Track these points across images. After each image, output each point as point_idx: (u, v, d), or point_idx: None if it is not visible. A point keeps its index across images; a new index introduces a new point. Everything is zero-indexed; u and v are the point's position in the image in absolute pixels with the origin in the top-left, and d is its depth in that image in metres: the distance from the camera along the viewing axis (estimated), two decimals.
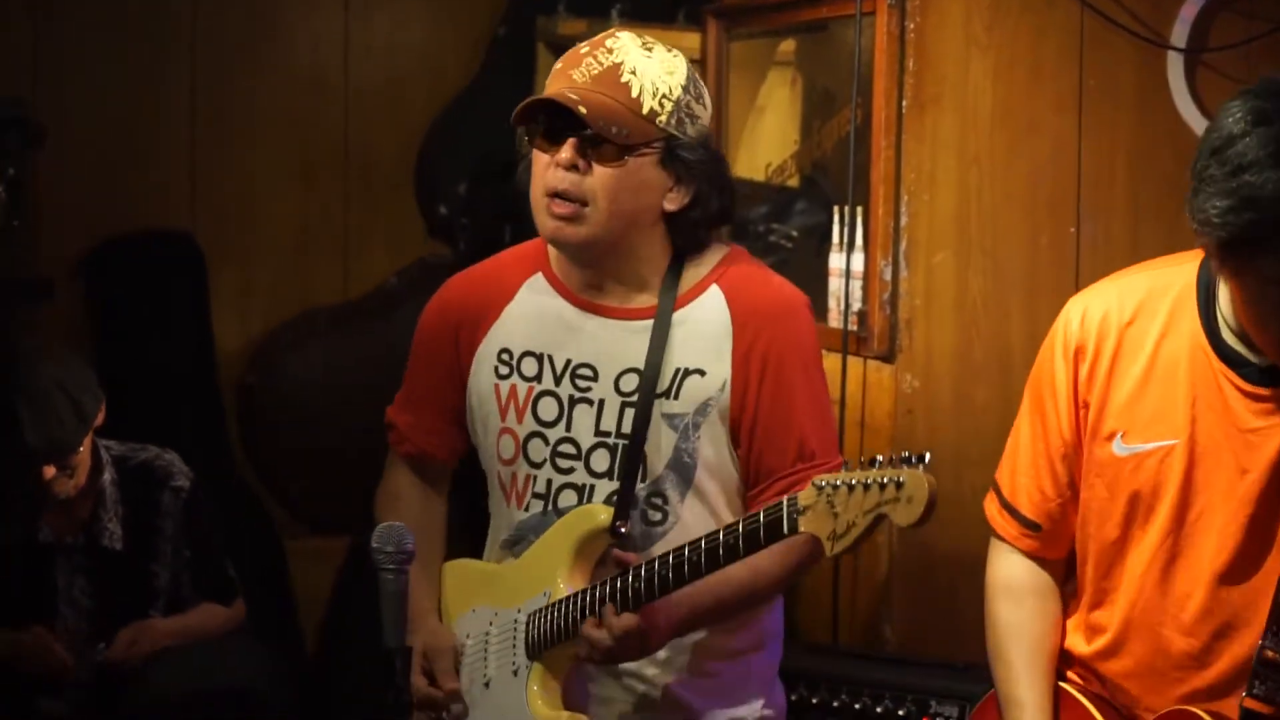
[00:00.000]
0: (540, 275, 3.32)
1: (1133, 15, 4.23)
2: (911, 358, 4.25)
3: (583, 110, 3.05)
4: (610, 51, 3.14)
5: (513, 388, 3.29)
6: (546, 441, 3.25)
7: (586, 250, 3.19)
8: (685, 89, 3.15)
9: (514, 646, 3.25)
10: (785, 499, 2.84)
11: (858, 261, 4.32)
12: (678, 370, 3.19)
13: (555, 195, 3.13)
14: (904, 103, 4.23)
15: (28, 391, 4.38)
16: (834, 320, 4.38)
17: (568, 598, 3.15)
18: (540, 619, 3.20)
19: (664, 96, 3.12)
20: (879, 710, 3.99)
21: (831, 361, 4.32)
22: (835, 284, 4.39)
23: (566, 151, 3.11)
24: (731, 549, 2.93)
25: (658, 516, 3.21)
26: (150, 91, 5.80)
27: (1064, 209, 4.28)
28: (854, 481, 2.74)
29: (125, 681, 4.46)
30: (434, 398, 3.42)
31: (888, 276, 4.25)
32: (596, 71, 3.11)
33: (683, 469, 3.20)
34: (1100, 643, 2.99)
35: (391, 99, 6.05)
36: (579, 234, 3.15)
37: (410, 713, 2.82)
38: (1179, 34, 4.22)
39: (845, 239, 4.36)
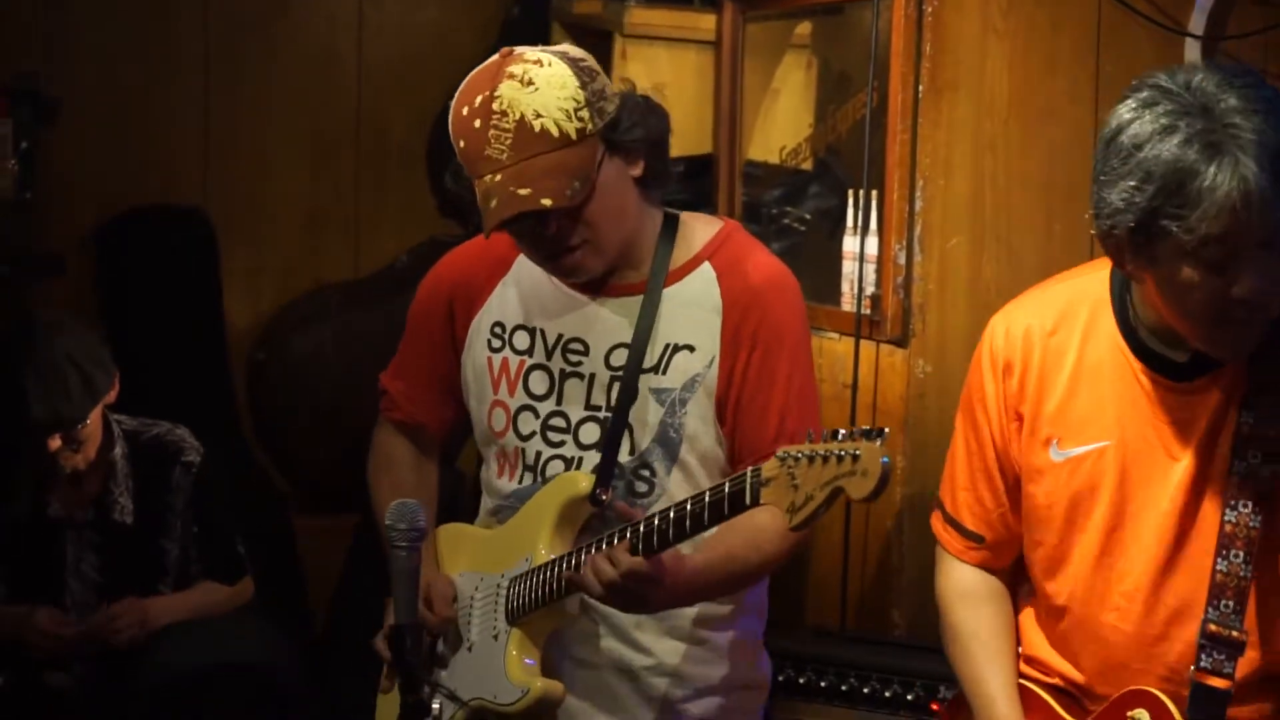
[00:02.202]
0: None
1: (1150, 2, 4.21)
2: (924, 342, 4.24)
3: (547, 202, 3.06)
4: (503, 114, 3.08)
5: (504, 361, 3.33)
6: (537, 415, 3.30)
7: (599, 270, 3.24)
8: (582, 84, 3.13)
9: (495, 611, 3.29)
10: (749, 469, 2.86)
11: (871, 245, 4.32)
12: (667, 346, 3.23)
13: (555, 270, 3.21)
14: (920, 87, 4.22)
15: (37, 363, 4.38)
16: (847, 304, 4.38)
17: (548, 563, 3.19)
18: (521, 584, 3.24)
19: (577, 110, 3.10)
20: (887, 695, 3.99)
21: (844, 345, 4.32)
22: (849, 268, 4.38)
23: (550, 229, 3.14)
24: (697, 518, 2.95)
25: (644, 488, 3.26)
26: (163, 67, 5.81)
27: (1079, 196, 4.24)
28: (813, 454, 2.75)
29: (131, 656, 4.46)
30: (426, 368, 3.47)
31: (901, 261, 4.25)
32: (510, 140, 3.08)
33: (668, 443, 3.24)
34: (1053, 640, 3.06)
35: (404, 78, 6.06)
36: (591, 265, 3.21)
37: (420, 689, 2.82)
38: (1197, 21, 4.20)
39: (859, 223, 4.35)
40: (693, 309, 3.24)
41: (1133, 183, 2.68)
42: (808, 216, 4.77)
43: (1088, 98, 4.25)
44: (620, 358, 3.25)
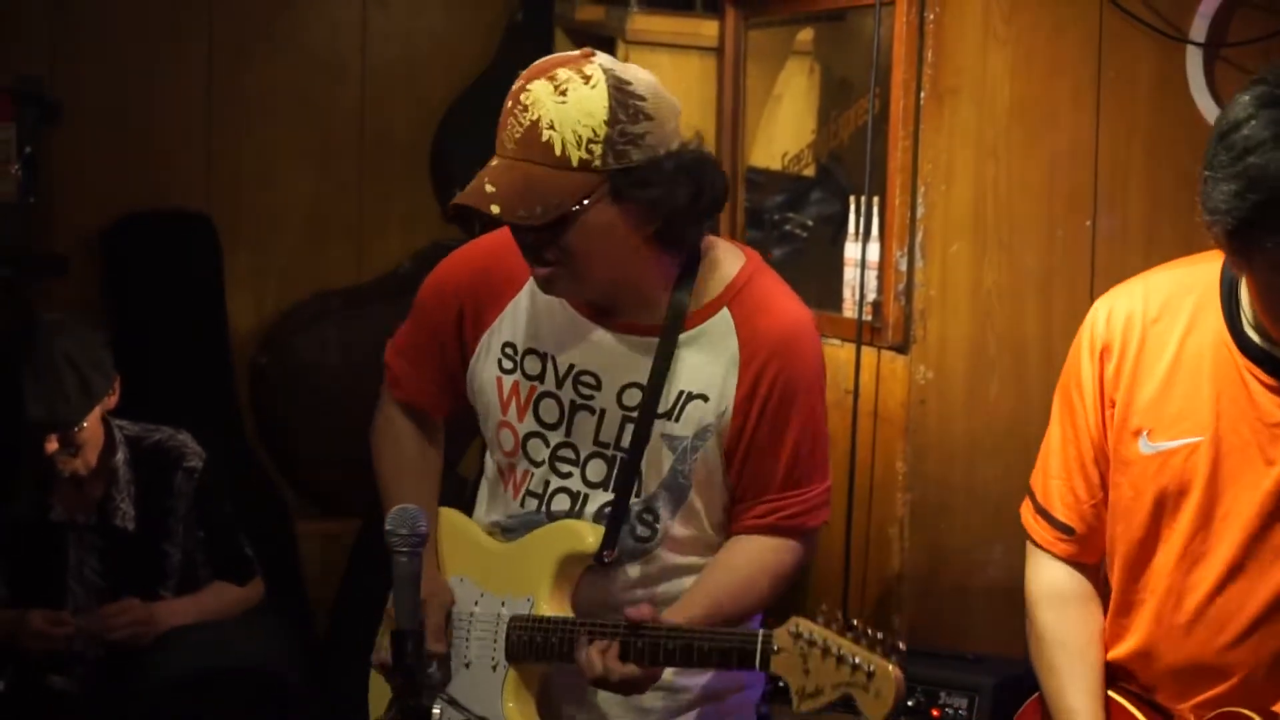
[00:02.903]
0: None
1: (1152, 9, 4.22)
2: (925, 348, 4.24)
3: (495, 210, 3.00)
4: (525, 108, 3.02)
5: (515, 384, 3.28)
6: (546, 443, 3.25)
7: (580, 296, 3.19)
8: (611, 120, 3.00)
9: (495, 641, 3.27)
10: (761, 634, 2.90)
11: (873, 251, 4.32)
12: (681, 393, 3.18)
13: (531, 263, 3.13)
14: (922, 94, 4.22)
15: (36, 363, 4.39)
16: (848, 310, 4.38)
17: (551, 621, 3.18)
18: (522, 629, 3.23)
19: (590, 142, 3.00)
20: None
21: (845, 351, 4.32)
22: (850, 274, 4.38)
23: (526, 236, 3.09)
24: (704, 655, 3.00)
25: (646, 533, 3.23)
26: (167, 71, 5.82)
27: (1081, 202, 4.27)
28: (828, 645, 2.77)
29: (133, 658, 4.46)
30: (432, 361, 3.41)
31: (903, 267, 4.25)
32: (519, 135, 3.02)
33: (677, 489, 3.21)
34: (1132, 644, 2.98)
35: (408, 83, 6.07)
36: (566, 289, 3.15)
37: (423, 694, 2.82)
38: (1198, 28, 4.21)
39: (861, 229, 4.35)
40: (709, 357, 3.17)
41: (1236, 187, 2.59)
42: (809, 223, 4.76)
43: (1089, 104, 4.26)
44: (632, 398, 3.19)
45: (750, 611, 3.24)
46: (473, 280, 3.35)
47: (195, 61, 5.86)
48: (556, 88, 3.02)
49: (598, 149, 3.00)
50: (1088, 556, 3.04)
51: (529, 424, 3.27)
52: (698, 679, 3.29)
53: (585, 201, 3.02)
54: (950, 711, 3.93)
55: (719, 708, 3.34)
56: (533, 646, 3.20)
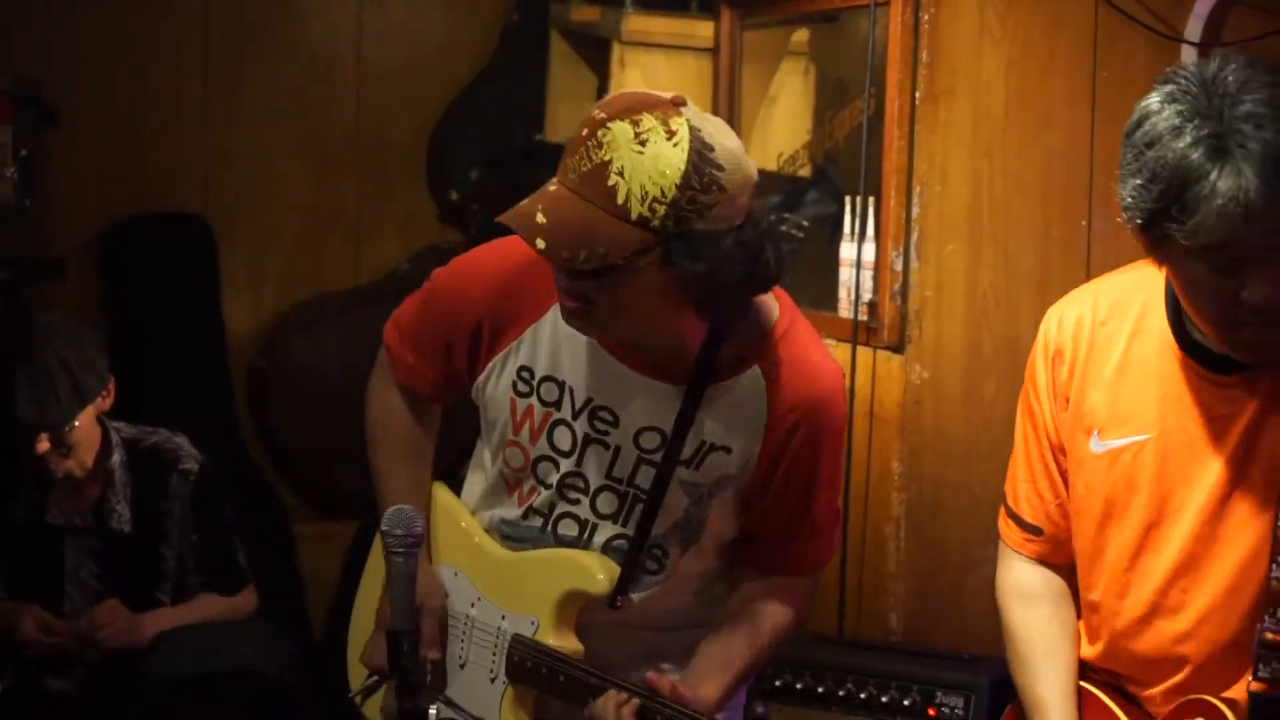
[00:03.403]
0: None
1: (1147, 9, 4.22)
2: (921, 348, 4.25)
3: (540, 244, 2.86)
4: (600, 146, 2.86)
5: (529, 408, 3.20)
6: (557, 468, 3.20)
7: (605, 338, 3.10)
8: (684, 185, 2.83)
9: (494, 654, 3.25)
10: None
11: (869, 252, 4.33)
12: (704, 443, 3.12)
13: (560, 292, 3.00)
14: (917, 94, 4.22)
15: (29, 363, 4.40)
16: (844, 310, 4.38)
17: (559, 656, 3.16)
18: (525, 652, 3.20)
19: (655, 200, 2.83)
20: (884, 700, 4.00)
21: (841, 351, 4.33)
22: (846, 274, 4.39)
23: (561, 270, 2.96)
24: None
25: (654, 567, 3.22)
26: (164, 74, 5.81)
27: (1076, 202, 4.28)
28: None
29: (132, 661, 4.46)
30: (435, 359, 3.33)
31: (898, 267, 4.26)
32: (586, 169, 2.86)
33: (688, 531, 3.19)
34: (1096, 639, 3.03)
35: (404, 85, 6.06)
36: (590, 329, 3.05)
37: (419, 695, 2.82)
38: (1193, 28, 4.20)
39: (857, 229, 4.36)
40: (735, 414, 3.11)
41: (1140, 181, 2.66)
42: (805, 223, 4.77)
43: (1084, 104, 4.26)
44: (650, 441, 3.13)
45: (764, 664, 3.28)
46: (498, 297, 3.22)
47: (192, 64, 5.86)
48: (638, 135, 2.86)
49: (660, 210, 2.85)
50: (1057, 557, 3.09)
51: (541, 448, 3.20)
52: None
53: (632, 257, 2.88)
54: (946, 711, 3.94)
55: None
56: (537, 676, 3.17)
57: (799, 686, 4.04)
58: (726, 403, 3.11)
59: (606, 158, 2.85)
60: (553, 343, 3.18)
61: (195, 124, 5.86)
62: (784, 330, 3.13)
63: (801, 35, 4.97)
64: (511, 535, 3.28)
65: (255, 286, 5.97)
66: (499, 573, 3.29)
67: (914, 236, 4.24)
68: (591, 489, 3.19)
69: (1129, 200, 2.68)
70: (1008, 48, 4.23)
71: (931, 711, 3.93)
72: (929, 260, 4.25)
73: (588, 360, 3.16)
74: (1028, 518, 3.10)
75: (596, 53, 5.61)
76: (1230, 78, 2.65)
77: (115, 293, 5.73)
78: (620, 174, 2.84)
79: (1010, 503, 3.14)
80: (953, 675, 3.97)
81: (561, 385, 3.18)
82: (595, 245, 2.85)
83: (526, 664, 3.19)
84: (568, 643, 3.19)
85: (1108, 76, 4.25)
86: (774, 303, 3.14)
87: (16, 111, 5.43)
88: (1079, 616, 3.09)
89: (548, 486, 3.21)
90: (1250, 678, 2.80)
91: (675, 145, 2.85)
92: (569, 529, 3.21)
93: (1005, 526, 3.15)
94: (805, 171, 4.86)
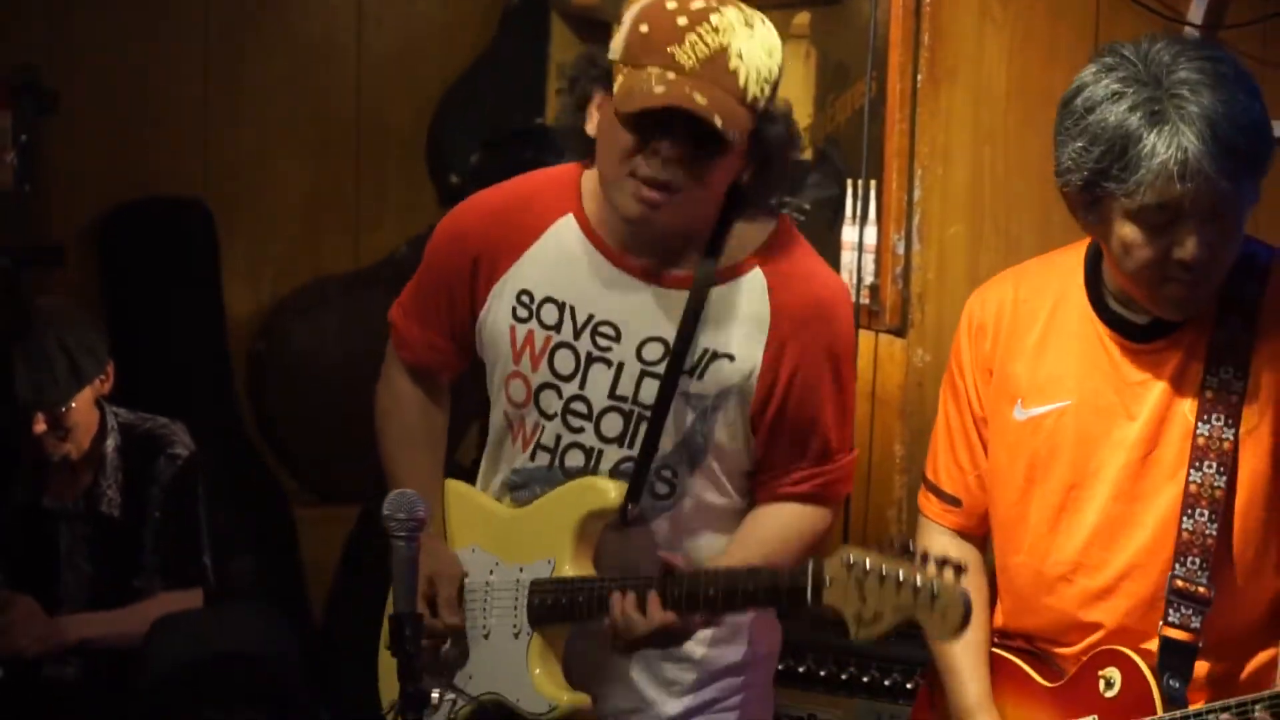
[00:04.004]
0: (572, 218, 3.21)
1: None
2: (923, 331, 4.25)
3: (718, 121, 2.92)
4: (716, 31, 2.95)
5: (530, 333, 3.21)
6: (560, 395, 3.19)
7: (669, 231, 3.10)
8: (779, 65, 3.03)
9: (515, 608, 3.23)
10: (811, 566, 2.84)
11: (870, 235, 4.32)
12: (706, 351, 3.13)
13: (648, 182, 2.99)
14: (919, 77, 4.22)
15: (27, 346, 4.39)
16: None
17: (575, 581, 3.14)
18: (544, 592, 3.18)
19: (765, 81, 2.99)
20: (886, 684, 4.00)
21: None
22: (848, 257, 4.38)
23: (676, 149, 2.97)
24: (749, 596, 2.96)
25: (664, 490, 3.20)
26: (163, 59, 5.80)
27: None
28: (884, 572, 2.73)
29: (131, 648, 4.46)
30: (441, 318, 3.33)
31: (900, 250, 4.25)
32: (704, 54, 2.94)
33: (693, 449, 3.17)
34: (1011, 605, 3.14)
35: (404, 68, 6.05)
36: (666, 220, 3.05)
37: (420, 679, 2.81)
38: (1195, 11, 4.20)
39: (858, 212, 4.36)
40: (739, 316, 3.13)
41: (1081, 144, 2.82)
42: (807, 206, 4.76)
43: None
44: (653, 352, 3.14)
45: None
46: (490, 226, 3.26)
47: (191, 49, 5.85)
48: (745, 19, 2.99)
49: (767, 91, 3.00)
50: (974, 529, 3.22)
51: (543, 374, 3.20)
52: (724, 651, 3.28)
53: (742, 137, 3.00)
54: None
55: (741, 681, 3.32)
56: (557, 609, 3.15)
57: (800, 670, 4.04)
58: (729, 304, 3.13)
59: (725, 42, 2.95)
60: (550, 262, 3.20)
61: (195, 109, 5.86)
62: (785, 233, 3.20)
63: (803, 18, 4.95)
64: (520, 484, 3.27)
65: (255, 271, 5.97)
66: (511, 531, 3.27)
67: (915, 219, 4.24)
68: (595, 412, 3.18)
69: (1068, 163, 2.85)
70: (1010, 30, 4.23)
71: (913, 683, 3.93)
72: (931, 243, 4.25)
73: (589, 275, 3.17)
74: (947, 489, 3.21)
75: (597, 36, 5.59)
76: (1163, 52, 2.82)
77: (114, 278, 5.73)
78: (739, 57, 2.95)
79: (930, 476, 3.24)
80: None
81: (561, 306, 3.19)
82: (738, 127, 2.96)
83: (547, 603, 3.17)
84: (585, 570, 3.18)
85: None
86: (770, 212, 3.23)
87: (16, 97, 5.42)
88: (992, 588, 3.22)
89: (550, 417, 3.20)
90: (1161, 622, 2.93)
91: (766, 25, 3.02)
92: (575, 459, 3.20)
93: (925, 500, 3.26)
94: (807, 155, 4.84)
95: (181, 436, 4.62)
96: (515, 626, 3.22)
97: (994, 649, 3.16)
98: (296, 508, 5.92)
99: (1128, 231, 2.83)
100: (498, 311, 3.23)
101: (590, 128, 3.12)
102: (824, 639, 4.08)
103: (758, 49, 2.97)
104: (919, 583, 2.70)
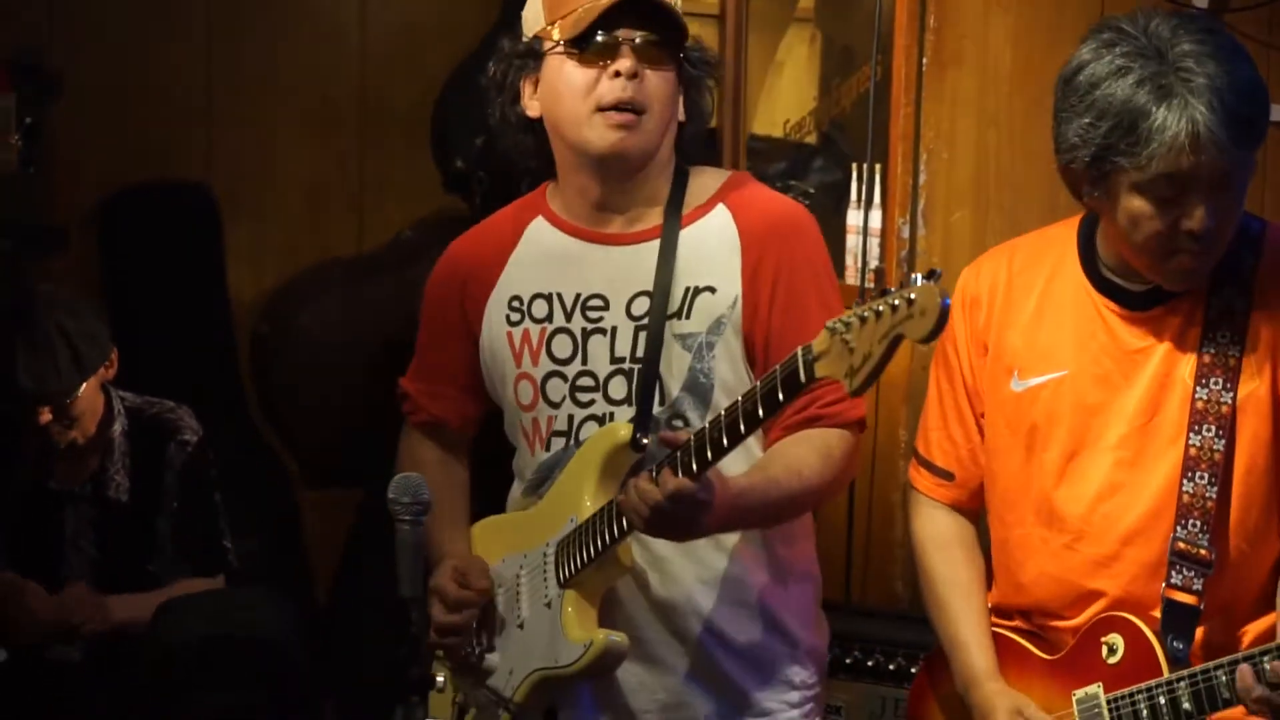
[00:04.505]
0: (540, 218, 3.33)
1: None
2: None
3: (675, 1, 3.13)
4: None
5: (525, 332, 3.28)
6: (565, 379, 3.25)
7: (640, 160, 3.20)
8: None
9: (544, 580, 3.24)
10: (800, 348, 2.80)
11: (875, 219, 4.32)
12: (688, 289, 3.19)
13: (614, 107, 3.13)
14: (924, 61, 4.22)
15: (29, 335, 4.39)
16: (851, 277, 4.38)
17: (593, 516, 3.14)
18: (569, 545, 3.18)
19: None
20: (891, 667, 4.00)
21: None
22: (853, 241, 4.39)
23: (628, 60, 3.12)
24: (751, 413, 2.87)
25: None
26: (166, 41, 5.80)
27: None
28: (865, 313, 2.69)
29: (134, 629, 4.47)
30: (445, 364, 3.42)
31: (905, 234, 4.25)
32: None
33: (699, 389, 3.19)
34: (1011, 578, 3.16)
35: (408, 51, 6.04)
36: (638, 144, 3.17)
37: (427, 664, 2.82)
38: None
39: (863, 196, 4.36)
40: (711, 249, 3.21)
41: (1088, 120, 2.87)
42: (811, 190, 4.76)
43: None
44: (641, 306, 3.20)
45: (803, 489, 3.15)
46: (469, 257, 3.39)
47: (195, 32, 5.84)
48: None
49: (679, 3, 3.19)
50: (968, 502, 3.26)
51: (544, 366, 3.26)
52: (748, 629, 3.26)
53: (678, 52, 3.17)
54: None
55: (784, 672, 3.33)
56: (583, 554, 3.13)
57: None
58: (701, 240, 3.21)
59: None
60: (531, 263, 3.31)
61: (199, 93, 5.85)
62: (741, 176, 3.34)
63: (808, 1, 4.96)
64: (540, 481, 3.30)
65: (258, 253, 5.96)
66: (534, 522, 3.30)
67: (920, 204, 4.24)
68: (601, 380, 3.23)
69: (1075, 140, 2.89)
70: (1015, 14, 4.23)
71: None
72: (935, 227, 4.24)
73: (565, 260, 3.27)
74: (939, 463, 3.26)
75: None
76: (1161, 26, 2.88)
77: (118, 261, 5.73)
78: None
79: (922, 451, 3.29)
80: None
81: (549, 297, 3.27)
82: (677, 22, 3.17)
83: (570, 555, 3.17)
84: (602, 504, 3.14)
85: None
86: (726, 170, 3.40)
87: (19, 80, 5.41)
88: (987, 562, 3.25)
89: (558, 404, 3.25)
90: (1163, 584, 2.96)
91: None
92: (590, 430, 3.23)
93: (917, 474, 3.31)
94: (811, 139, 4.85)
95: (189, 421, 4.63)
96: (546, 597, 3.24)
97: (995, 628, 3.18)
98: (300, 491, 5.92)
99: (1136, 204, 2.86)
100: (494, 325, 3.33)
101: (532, 110, 3.26)
102: (830, 622, 4.07)
103: None
104: (896, 301, 2.63)
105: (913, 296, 2.63)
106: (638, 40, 3.12)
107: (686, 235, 3.21)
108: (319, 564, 5.86)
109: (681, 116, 3.23)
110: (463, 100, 5.97)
